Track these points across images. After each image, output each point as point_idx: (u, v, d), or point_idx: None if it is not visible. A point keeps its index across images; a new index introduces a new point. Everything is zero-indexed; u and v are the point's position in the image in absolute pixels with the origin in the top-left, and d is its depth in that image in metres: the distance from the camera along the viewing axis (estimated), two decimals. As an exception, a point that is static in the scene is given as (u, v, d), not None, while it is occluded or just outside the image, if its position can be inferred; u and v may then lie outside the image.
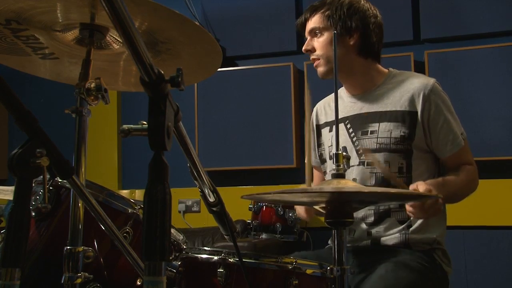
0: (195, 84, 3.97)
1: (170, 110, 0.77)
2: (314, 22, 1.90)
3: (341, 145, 1.88)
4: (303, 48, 1.94)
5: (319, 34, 1.89)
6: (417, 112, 1.80)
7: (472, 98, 3.44)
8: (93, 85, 1.14)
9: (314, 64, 1.92)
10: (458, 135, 1.82)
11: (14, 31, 1.16)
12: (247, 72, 4.00)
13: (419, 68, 3.56)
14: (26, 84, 3.14)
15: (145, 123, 0.91)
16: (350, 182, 1.22)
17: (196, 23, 1.16)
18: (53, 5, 1.08)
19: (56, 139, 0.95)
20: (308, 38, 1.93)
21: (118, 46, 1.27)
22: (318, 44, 1.89)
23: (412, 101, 1.81)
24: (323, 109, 2.07)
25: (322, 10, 1.88)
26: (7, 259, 0.87)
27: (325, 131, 2.04)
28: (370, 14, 1.88)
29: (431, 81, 1.85)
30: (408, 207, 1.60)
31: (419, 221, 1.81)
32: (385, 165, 1.81)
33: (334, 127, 1.92)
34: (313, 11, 1.91)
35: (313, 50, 1.91)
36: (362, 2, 1.89)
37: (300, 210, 1.96)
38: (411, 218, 1.81)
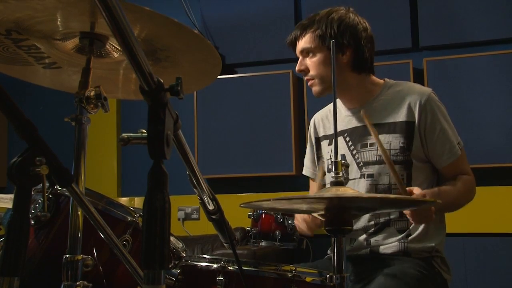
0: (195, 92, 3.98)
1: (170, 119, 0.77)
2: (305, 42, 1.87)
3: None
4: (296, 68, 1.92)
5: (311, 54, 1.87)
6: (414, 122, 1.80)
7: (471, 105, 3.45)
8: (92, 93, 1.14)
9: (309, 84, 1.90)
10: (454, 144, 1.81)
11: (15, 41, 1.17)
12: (246, 79, 4.01)
13: (418, 76, 3.56)
14: (26, 92, 3.14)
15: (145, 131, 0.92)
16: (349, 190, 1.22)
17: (195, 31, 1.16)
18: (52, 14, 1.09)
19: (55, 147, 0.95)
20: (300, 58, 1.91)
21: (117, 55, 1.28)
22: (311, 64, 1.87)
23: (409, 111, 1.81)
24: (321, 122, 2.07)
25: (312, 29, 1.86)
26: (6, 268, 0.87)
27: (324, 144, 2.03)
28: (361, 28, 1.86)
29: (428, 91, 1.85)
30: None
31: (418, 230, 1.81)
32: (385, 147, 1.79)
33: (333, 140, 1.92)
34: (303, 30, 1.88)
35: (306, 70, 1.89)
36: (352, 16, 1.86)
37: (302, 226, 1.89)
38: (411, 227, 1.81)
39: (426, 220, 1.65)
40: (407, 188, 1.60)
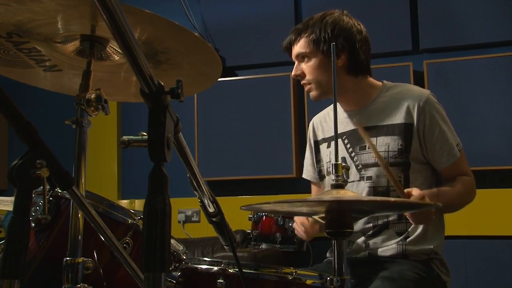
0: (195, 95, 3.98)
1: (170, 121, 0.77)
2: (300, 47, 1.87)
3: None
4: (292, 73, 1.92)
5: (307, 59, 1.87)
6: (412, 124, 1.80)
7: (471, 107, 3.45)
8: (93, 96, 1.14)
9: (306, 89, 1.90)
10: (453, 146, 1.81)
11: (16, 44, 1.17)
12: (246, 82, 4.02)
13: (418, 78, 3.56)
14: (26, 95, 3.14)
15: (145, 134, 0.92)
16: (350, 192, 1.22)
17: (195, 33, 1.16)
18: (53, 17, 1.09)
19: (56, 150, 0.95)
20: (296, 62, 1.91)
21: (118, 57, 1.28)
22: (307, 69, 1.87)
23: (407, 113, 1.81)
24: (320, 125, 2.06)
25: (306, 34, 1.85)
26: (7, 271, 0.87)
27: (323, 147, 2.03)
28: (355, 31, 1.85)
29: (426, 92, 1.85)
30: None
31: (417, 232, 1.80)
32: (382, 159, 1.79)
33: (332, 143, 1.92)
34: (298, 35, 1.88)
35: (302, 75, 1.89)
36: (346, 19, 1.86)
37: (300, 230, 1.89)
38: (409, 230, 1.81)
39: (425, 221, 1.65)
40: (406, 190, 1.60)
